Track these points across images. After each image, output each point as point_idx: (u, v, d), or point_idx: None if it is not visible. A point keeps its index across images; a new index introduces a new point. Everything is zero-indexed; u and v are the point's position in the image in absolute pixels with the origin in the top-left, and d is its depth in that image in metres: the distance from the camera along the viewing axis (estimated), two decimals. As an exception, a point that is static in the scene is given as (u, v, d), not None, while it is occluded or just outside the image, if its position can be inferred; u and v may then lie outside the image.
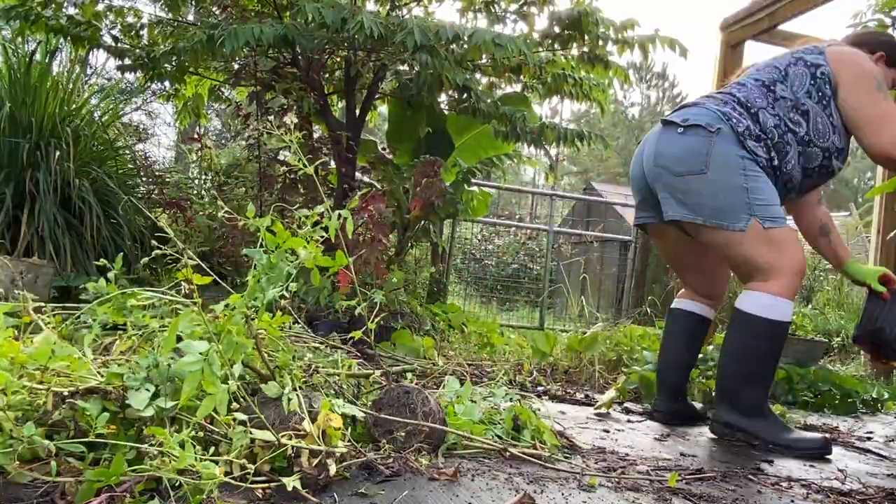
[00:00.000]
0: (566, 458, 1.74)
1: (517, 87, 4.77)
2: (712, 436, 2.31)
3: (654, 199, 2.26)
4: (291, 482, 1.18)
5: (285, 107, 3.98)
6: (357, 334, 1.74)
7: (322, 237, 1.58)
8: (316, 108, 4.18)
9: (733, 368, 2.19)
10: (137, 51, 4.19)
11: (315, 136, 4.33)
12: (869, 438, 2.62)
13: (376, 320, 1.77)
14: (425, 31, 3.18)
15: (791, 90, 2.18)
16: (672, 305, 2.55)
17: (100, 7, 4.22)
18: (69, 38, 4.00)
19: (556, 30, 4.12)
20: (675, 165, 2.14)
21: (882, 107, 2.13)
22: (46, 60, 4.03)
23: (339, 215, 1.59)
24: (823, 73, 2.17)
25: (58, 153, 3.68)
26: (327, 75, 4.43)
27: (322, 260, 1.57)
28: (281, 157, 4.04)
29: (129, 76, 4.39)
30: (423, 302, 4.67)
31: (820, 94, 2.17)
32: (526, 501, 1.33)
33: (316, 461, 1.26)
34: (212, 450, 1.20)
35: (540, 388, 2.97)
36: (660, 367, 2.55)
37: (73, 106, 4.20)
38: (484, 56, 4.00)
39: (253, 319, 1.41)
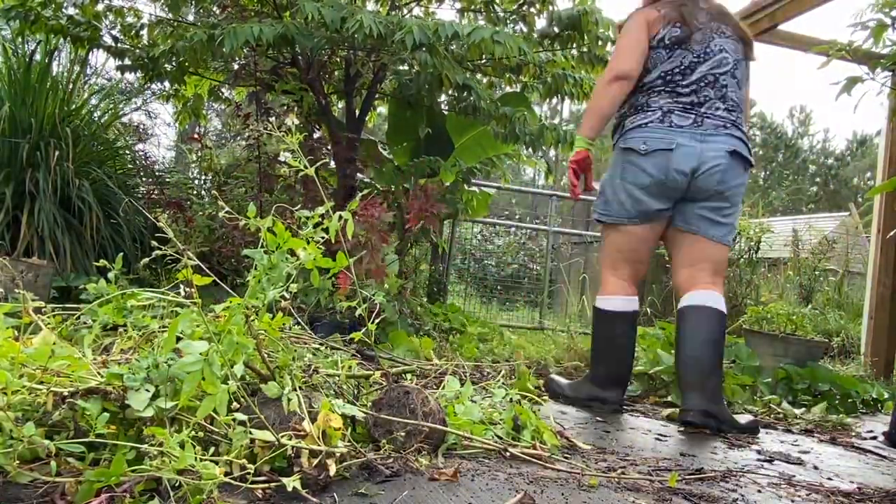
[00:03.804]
0: (566, 458, 1.74)
1: (517, 88, 4.77)
2: (713, 436, 2.31)
3: (679, 202, 2.46)
4: (291, 482, 1.17)
5: (286, 107, 3.98)
6: (357, 335, 1.74)
7: (323, 238, 1.58)
8: (316, 109, 4.18)
9: (711, 360, 2.39)
10: (137, 51, 4.19)
11: (315, 136, 4.33)
12: (871, 438, 2.62)
13: (376, 321, 1.77)
14: (424, 29, 3.18)
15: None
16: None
17: (100, 7, 4.22)
18: (69, 38, 3.99)
19: (556, 30, 4.12)
20: (735, 196, 2.43)
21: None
22: (46, 60, 4.03)
23: (340, 216, 1.59)
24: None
25: (57, 153, 3.68)
26: (327, 75, 4.42)
27: (322, 261, 1.57)
28: (281, 158, 4.04)
29: (129, 76, 4.39)
30: (424, 302, 4.66)
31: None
32: (526, 501, 1.33)
33: (316, 461, 1.25)
34: (212, 450, 1.20)
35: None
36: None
37: (73, 106, 4.20)
38: (483, 56, 3.99)
39: (253, 320, 1.41)
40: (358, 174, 4.33)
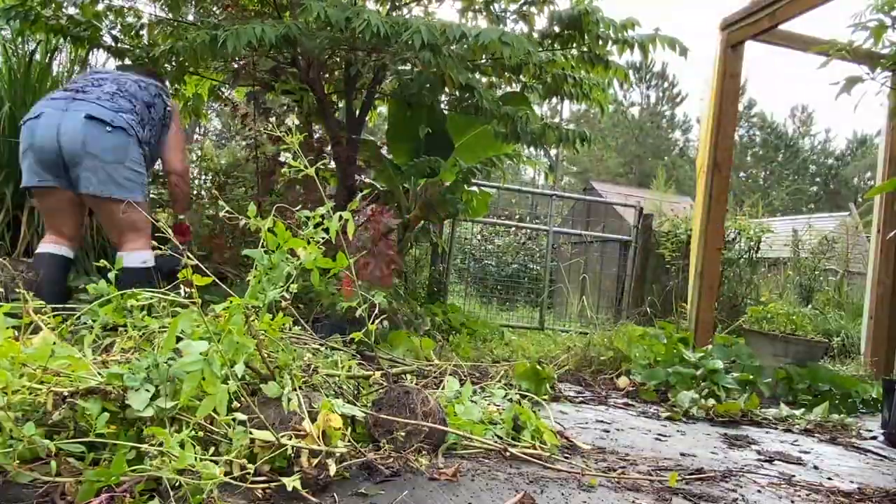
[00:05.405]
0: (566, 458, 1.74)
1: (517, 87, 4.76)
2: (713, 436, 2.32)
3: (63, 170, 2.80)
4: (291, 482, 1.18)
5: (286, 107, 3.98)
6: (357, 335, 1.74)
7: (323, 238, 1.58)
8: (316, 109, 4.18)
9: None
10: (137, 51, 4.19)
11: (315, 136, 4.33)
12: (871, 438, 2.62)
13: (376, 322, 1.77)
14: (432, 29, 3.18)
15: (157, 117, 3.08)
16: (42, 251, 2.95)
17: (100, 7, 4.21)
18: (69, 38, 3.99)
19: (556, 29, 4.11)
20: (105, 154, 2.79)
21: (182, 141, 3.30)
22: (46, 60, 4.03)
23: (341, 216, 1.59)
24: (169, 112, 3.14)
25: (58, 153, 3.66)
26: (327, 75, 4.41)
27: (322, 261, 1.57)
28: (281, 158, 4.03)
29: (129, 76, 4.37)
30: (423, 302, 4.66)
31: (163, 123, 3.12)
32: (526, 501, 1.33)
33: (316, 461, 1.25)
34: (212, 450, 1.20)
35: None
36: None
37: (73, 106, 4.17)
38: (484, 56, 3.99)
39: (254, 320, 1.41)
40: (358, 174, 4.32)
